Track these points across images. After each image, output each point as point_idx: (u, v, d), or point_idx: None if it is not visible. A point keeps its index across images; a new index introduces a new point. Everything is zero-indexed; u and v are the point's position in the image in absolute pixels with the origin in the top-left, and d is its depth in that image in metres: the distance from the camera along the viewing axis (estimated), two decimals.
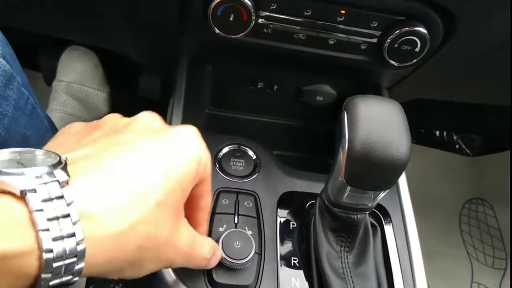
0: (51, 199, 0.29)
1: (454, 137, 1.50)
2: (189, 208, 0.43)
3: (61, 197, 0.29)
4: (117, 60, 1.05)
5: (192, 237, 0.40)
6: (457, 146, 1.50)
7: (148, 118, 0.41)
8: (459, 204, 1.41)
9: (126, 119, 0.41)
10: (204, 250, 0.43)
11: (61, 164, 0.31)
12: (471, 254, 1.31)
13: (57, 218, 0.28)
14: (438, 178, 1.42)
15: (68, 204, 0.29)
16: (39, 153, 0.34)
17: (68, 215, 0.29)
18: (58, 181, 0.30)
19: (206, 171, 0.40)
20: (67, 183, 0.30)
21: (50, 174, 0.30)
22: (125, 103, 1.25)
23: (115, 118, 0.42)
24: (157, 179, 0.34)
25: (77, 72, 1.08)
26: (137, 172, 0.34)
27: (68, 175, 0.31)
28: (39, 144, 0.65)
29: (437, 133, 1.49)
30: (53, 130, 0.72)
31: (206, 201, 0.44)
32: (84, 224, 0.29)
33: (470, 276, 1.27)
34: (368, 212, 0.51)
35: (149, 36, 0.68)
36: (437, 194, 1.39)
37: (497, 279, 1.28)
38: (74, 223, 0.29)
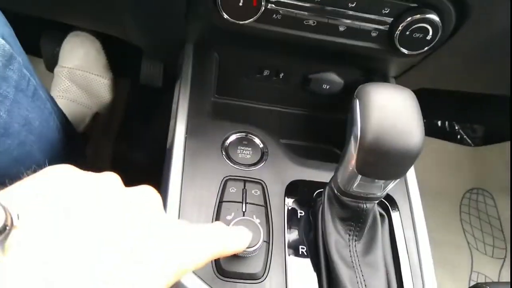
0: None
1: (456, 127, 1.50)
2: None
3: None
4: (120, 47, 1.04)
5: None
6: (458, 136, 1.50)
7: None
8: (459, 194, 1.41)
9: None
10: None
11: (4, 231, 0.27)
12: (471, 243, 1.32)
13: None
14: (439, 168, 1.42)
15: None
16: None
17: None
18: None
19: None
20: None
21: None
22: (128, 90, 1.24)
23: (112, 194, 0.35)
24: None
25: (79, 58, 1.07)
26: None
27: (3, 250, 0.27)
28: (43, 127, 0.64)
29: (439, 123, 1.49)
30: (56, 113, 0.71)
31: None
32: None
33: (469, 265, 1.28)
34: (377, 202, 0.51)
35: (156, 21, 0.67)
36: (438, 183, 1.40)
37: (497, 268, 1.29)
38: None
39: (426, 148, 1.43)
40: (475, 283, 1.24)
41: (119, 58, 1.15)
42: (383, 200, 0.58)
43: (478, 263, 1.28)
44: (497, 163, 1.43)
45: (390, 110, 0.42)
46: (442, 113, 1.49)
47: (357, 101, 0.44)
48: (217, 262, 0.49)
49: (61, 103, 1.02)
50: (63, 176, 0.34)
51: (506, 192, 1.39)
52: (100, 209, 0.32)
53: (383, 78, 0.72)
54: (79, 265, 0.28)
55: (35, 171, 0.34)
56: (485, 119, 1.49)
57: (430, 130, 1.47)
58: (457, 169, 1.44)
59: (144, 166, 1.13)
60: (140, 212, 0.35)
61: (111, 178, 0.36)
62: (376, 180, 0.46)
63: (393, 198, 0.59)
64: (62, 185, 0.33)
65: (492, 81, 0.86)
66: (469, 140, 1.50)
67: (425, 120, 1.56)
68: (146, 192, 0.37)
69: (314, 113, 0.76)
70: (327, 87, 0.72)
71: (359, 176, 0.46)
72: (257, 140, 0.62)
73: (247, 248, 0.47)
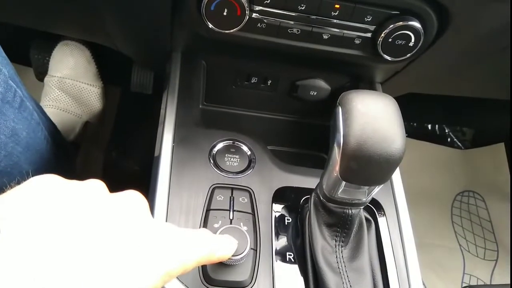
0: None
1: (446, 131, 1.52)
2: None
3: None
4: (110, 55, 1.04)
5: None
6: (449, 139, 1.51)
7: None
8: (451, 197, 1.42)
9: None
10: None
11: None
12: (462, 246, 1.33)
13: None
14: (430, 171, 1.43)
15: None
16: None
17: None
18: None
19: None
20: None
21: None
22: (118, 98, 1.24)
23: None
24: None
25: (69, 67, 1.07)
26: None
27: None
28: (30, 138, 0.64)
29: (429, 126, 1.50)
30: (44, 123, 0.71)
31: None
32: None
33: (462, 268, 1.29)
34: (362, 207, 0.51)
35: (142, 30, 0.67)
36: (429, 186, 1.41)
37: (489, 270, 1.29)
38: None
39: (417, 151, 1.44)
40: (467, 285, 1.25)
41: (109, 66, 1.15)
42: (369, 205, 0.59)
43: (470, 265, 1.29)
44: (487, 165, 1.45)
45: (372, 117, 0.42)
46: (432, 116, 1.50)
47: (340, 108, 0.44)
48: (204, 270, 0.49)
49: (51, 112, 1.02)
50: (48, 185, 0.34)
51: (496, 194, 1.40)
52: (84, 215, 0.33)
53: (370, 84, 0.73)
54: (62, 270, 0.29)
55: (19, 182, 0.35)
56: (474, 122, 1.51)
57: (421, 133, 1.48)
58: (448, 172, 1.45)
59: (135, 173, 1.13)
60: (125, 216, 0.35)
61: (96, 185, 0.36)
62: (361, 186, 0.47)
63: (379, 203, 0.60)
64: (47, 194, 0.33)
65: (478, 84, 0.87)
66: (459, 143, 1.52)
67: (415, 124, 1.58)
68: (131, 196, 0.37)
69: (302, 119, 0.76)
70: (315, 93, 0.73)
71: (343, 182, 0.46)
72: (244, 148, 0.63)
73: (234, 256, 0.47)
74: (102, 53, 1.11)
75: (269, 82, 0.72)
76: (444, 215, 1.38)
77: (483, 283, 1.26)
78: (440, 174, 1.44)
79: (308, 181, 0.60)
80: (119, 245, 0.32)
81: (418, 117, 1.49)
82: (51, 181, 0.34)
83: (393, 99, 0.45)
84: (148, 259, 0.33)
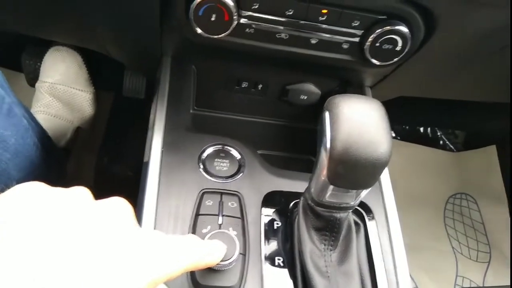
0: None
1: (438, 133, 1.52)
2: None
3: None
4: (102, 60, 1.04)
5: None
6: (441, 142, 1.52)
7: None
8: (443, 199, 1.43)
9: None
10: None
11: None
12: (455, 248, 1.34)
13: None
14: (423, 174, 1.44)
15: None
16: None
17: None
18: None
19: None
20: None
21: None
22: (111, 103, 1.24)
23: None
24: None
25: (61, 73, 1.07)
26: None
27: None
28: (19, 144, 0.64)
29: (421, 129, 1.51)
30: (34, 128, 0.71)
31: None
32: None
33: (455, 270, 1.29)
34: (351, 211, 0.51)
35: (131, 36, 0.67)
36: (422, 189, 1.41)
37: (482, 272, 1.30)
38: None
39: (409, 154, 1.45)
40: (460, 287, 1.25)
41: (102, 71, 1.15)
42: (358, 208, 0.59)
43: (463, 267, 1.30)
44: (480, 167, 1.45)
45: (358, 121, 0.42)
46: (424, 119, 1.51)
47: (327, 113, 0.45)
48: (192, 275, 0.49)
49: (42, 118, 1.02)
50: (32, 193, 0.34)
51: (489, 196, 1.41)
52: (67, 222, 0.33)
53: (360, 88, 0.73)
54: (43, 280, 0.28)
55: (2, 190, 0.34)
56: (466, 124, 1.52)
57: (413, 136, 1.49)
58: (440, 174, 1.46)
59: (128, 179, 1.13)
60: (109, 224, 0.35)
61: (80, 192, 0.36)
62: (348, 190, 0.47)
63: (368, 206, 0.60)
64: (30, 201, 0.33)
65: (468, 87, 0.87)
66: (451, 146, 1.53)
67: (407, 127, 1.58)
68: (116, 203, 0.37)
69: (292, 123, 0.77)
70: (305, 97, 0.73)
71: (331, 186, 0.46)
72: (234, 152, 0.63)
73: (223, 261, 0.47)
74: (94, 58, 1.11)
75: (260, 86, 0.72)
76: (437, 217, 1.39)
77: (476, 285, 1.26)
78: (433, 177, 1.45)
79: (298, 185, 0.60)
80: (102, 253, 0.32)
81: (410, 120, 1.50)
82: (35, 188, 0.34)
83: (380, 103, 0.45)
84: (133, 267, 0.33)
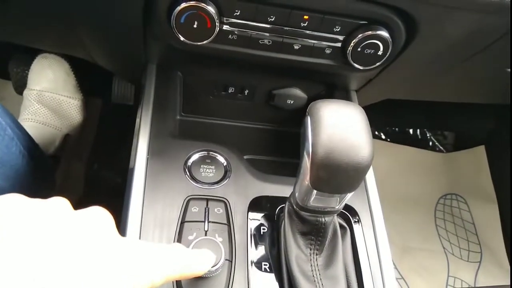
0: None
1: (428, 135, 1.53)
2: None
3: None
4: (90, 67, 1.04)
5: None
6: (430, 143, 1.53)
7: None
8: (434, 200, 1.44)
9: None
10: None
11: None
12: (446, 248, 1.34)
13: None
14: (413, 175, 1.45)
15: None
16: None
17: None
18: None
19: None
20: None
21: None
22: (99, 109, 1.24)
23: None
24: None
25: (48, 80, 1.07)
26: None
27: None
28: (4, 154, 0.64)
29: (411, 131, 1.52)
30: (20, 137, 0.71)
31: None
32: None
33: (446, 270, 1.30)
34: (336, 214, 0.52)
35: (115, 44, 0.67)
36: (413, 190, 1.42)
37: (473, 272, 1.31)
38: None
39: (399, 156, 1.45)
40: (452, 287, 1.26)
41: (90, 78, 1.14)
42: (344, 211, 0.59)
43: (454, 268, 1.30)
44: (469, 168, 1.47)
45: (339, 126, 0.43)
46: (413, 121, 1.52)
47: (309, 117, 0.45)
48: (178, 282, 0.49)
49: (30, 126, 1.01)
50: (10, 204, 0.34)
51: (478, 196, 1.42)
52: (46, 234, 0.32)
53: (345, 92, 0.74)
54: None
55: None
56: (455, 125, 1.53)
57: (403, 138, 1.50)
58: (430, 175, 1.47)
59: (117, 186, 1.12)
60: (89, 234, 0.35)
61: (59, 203, 0.36)
62: (332, 194, 0.47)
63: (354, 210, 0.60)
64: (8, 213, 0.33)
65: (452, 90, 0.88)
66: (441, 147, 1.54)
67: (397, 129, 1.59)
68: (96, 213, 0.37)
69: (280, 127, 0.77)
70: (291, 102, 0.73)
71: (315, 191, 0.47)
72: (220, 158, 0.63)
73: None
74: (82, 65, 1.10)
75: (246, 91, 0.73)
76: (428, 218, 1.40)
77: (467, 285, 1.27)
78: (423, 178, 1.46)
79: (284, 190, 0.61)
80: (82, 264, 0.32)
81: (400, 122, 1.51)
82: (13, 200, 0.34)
83: (361, 107, 0.45)
84: (114, 277, 0.33)
